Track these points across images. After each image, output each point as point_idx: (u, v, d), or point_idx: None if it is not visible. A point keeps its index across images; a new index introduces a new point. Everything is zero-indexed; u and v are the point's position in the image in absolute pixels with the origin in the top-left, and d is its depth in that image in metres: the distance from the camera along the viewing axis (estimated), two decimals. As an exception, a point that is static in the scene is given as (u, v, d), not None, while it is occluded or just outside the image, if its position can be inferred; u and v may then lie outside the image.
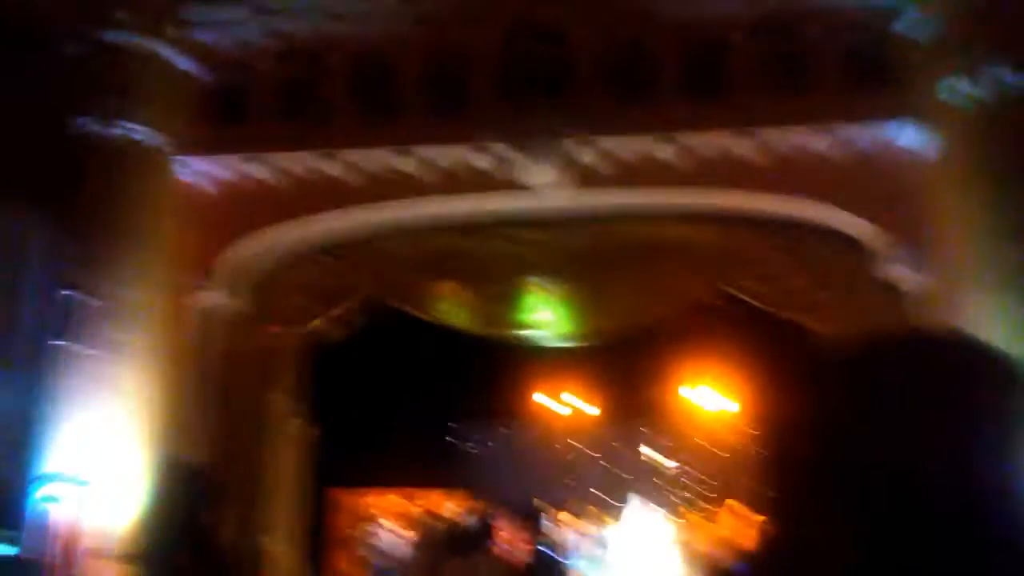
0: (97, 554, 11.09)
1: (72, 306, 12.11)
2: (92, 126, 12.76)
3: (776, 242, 13.75)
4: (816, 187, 13.04)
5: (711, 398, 16.56)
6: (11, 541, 10.51)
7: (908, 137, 12.76)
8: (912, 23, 12.55)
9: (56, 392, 11.80)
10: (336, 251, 14.34)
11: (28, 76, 12.70)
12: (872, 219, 12.89)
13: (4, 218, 12.37)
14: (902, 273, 12.82)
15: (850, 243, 13.48)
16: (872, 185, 12.82)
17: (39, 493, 11.33)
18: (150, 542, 10.92)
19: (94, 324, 12.05)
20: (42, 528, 11.06)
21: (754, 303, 13.73)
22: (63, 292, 12.18)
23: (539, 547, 6.09)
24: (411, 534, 14.03)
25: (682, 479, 16.90)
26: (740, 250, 13.80)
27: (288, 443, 14.39)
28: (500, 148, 13.21)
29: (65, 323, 12.04)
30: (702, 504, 15.32)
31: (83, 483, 11.38)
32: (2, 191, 12.06)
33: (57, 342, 11.97)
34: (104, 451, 11.58)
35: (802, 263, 13.59)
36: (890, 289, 13.19)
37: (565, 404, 17.15)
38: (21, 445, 11.60)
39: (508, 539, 12.66)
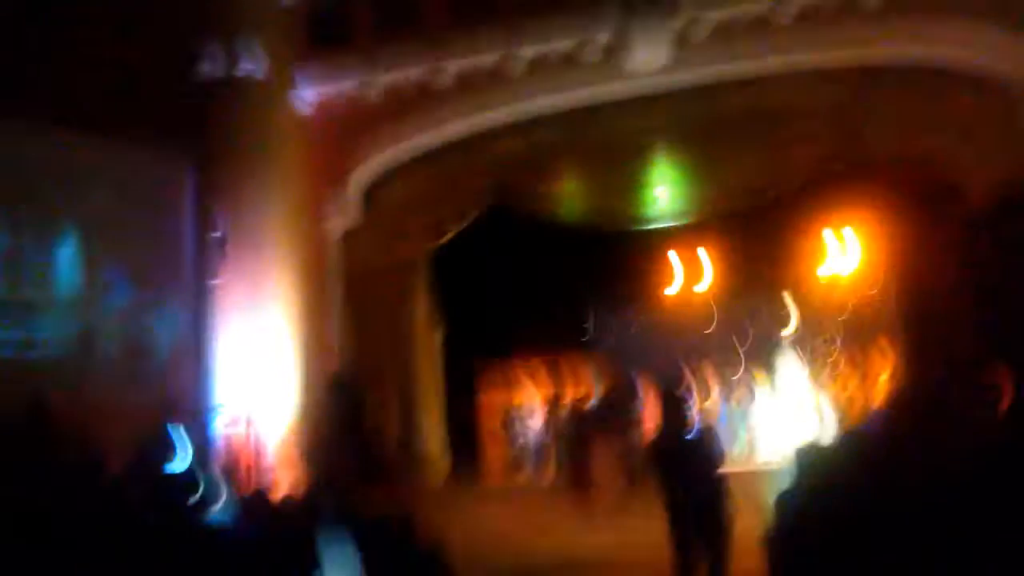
0: (276, 466, 12.25)
1: (223, 244, 13.00)
2: (215, 70, 13.35)
3: (908, 95, 12.79)
4: (941, 29, 11.94)
5: (846, 258, 16.08)
6: (202, 467, 11.69)
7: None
8: None
9: (218, 326, 12.83)
10: (456, 162, 14.57)
11: (144, 32, 13.33)
12: (1008, 58, 11.73)
13: (152, 169, 13.23)
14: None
15: (992, 89, 12.37)
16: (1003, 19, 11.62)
17: (219, 420, 12.49)
18: (318, 445, 11.89)
19: (243, 260, 12.93)
20: (228, 451, 12.24)
21: (887, 162, 12.93)
22: (212, 234, 13.06)
23: (686, 413, 6.11)
24: (553, 413, 14.61)
25: (818, 341, 16.63)
26: (871, 109, 12.93)
27: (428, 340, 15.17)
28: (605, 37, 12.89)
29: (218, 263, 12.97)
30: (841, 364, 15.05)
31: (254, 403, 12.46)
32: (144, 143, 12.86)
33: (214, 280, 12.94)
34: (268, 372, 12.59)
35: (939, 115, 12.60)
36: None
37: (697, 278, 17.08)
38: (197, 378, 12.74)
39: (651, 408, 13.00)
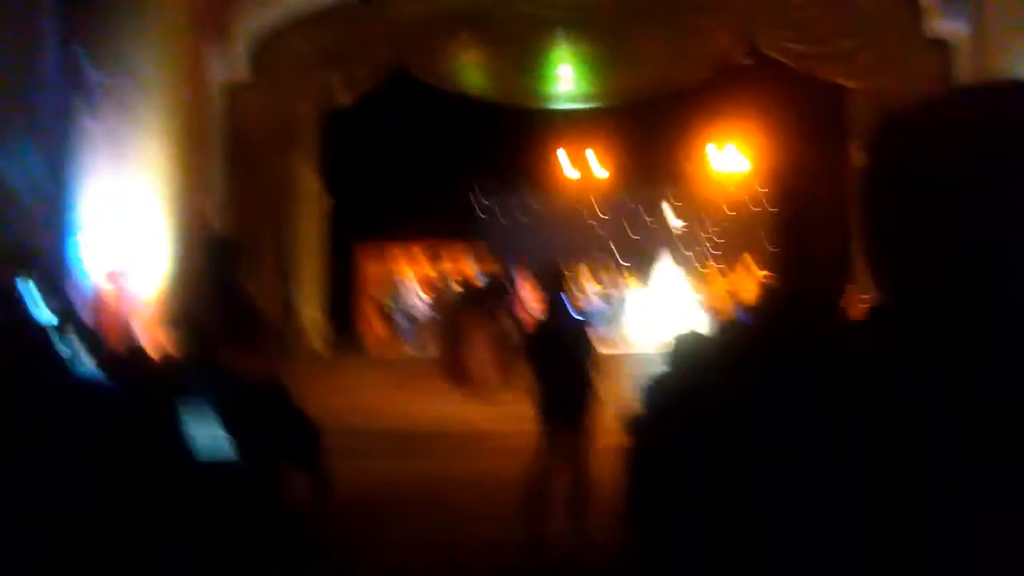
0: (147, 323, 11.79)
1: (92, 80, 11.97)
2: None
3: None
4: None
5: (733, 159, 16.48)
6: (64, 322, 11.11)
7: None
8: None
9: (84, 167, 11.96)
10: (358, 17, 13.72)
11: None
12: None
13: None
14: (954, 28, 12.00)
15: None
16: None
17: (85, 266, 11.82)
18: (189, 306, 11.53)
19: (115, 97, 11.96)
20: (93, 300, 11.65)
21: (789, 63, 13.08)
22: (85, 67, 11.98)
23: (562, 306, 6.20)
24: (432, 292, 14.62)
25: (698, 239, 17.21)
26: (782, 6, 12.92)
27: (312, 209, 14.73)
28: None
29: (87, 98, 11.96)
30: (717, 263, 15.68)
31: (125, 260, 11.84)
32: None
33: (81, 117, 11.96)
34: (136, 224, 11.92)
35: (847, 18, 12.72)
36: (938, 46, 12.45)
37: (585, 168, 17.14)
38: (56, 217, 11.93)
39: (527, 297, 13.24)
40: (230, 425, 4.59)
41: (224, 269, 12.59)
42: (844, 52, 12.76)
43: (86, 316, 11.35)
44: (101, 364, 6.08)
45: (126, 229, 11.82)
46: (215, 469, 4.55)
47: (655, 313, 14.95)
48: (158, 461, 3.72)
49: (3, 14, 11.65)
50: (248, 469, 4.65)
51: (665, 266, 15.69)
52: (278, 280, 13.87)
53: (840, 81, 13.01)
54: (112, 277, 11.81)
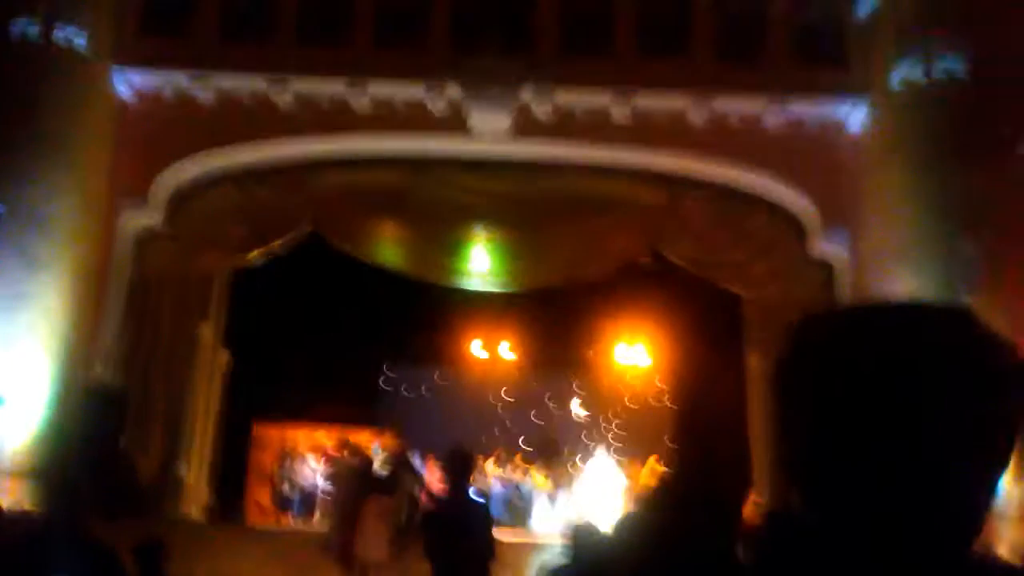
0: (10, 472, 10.87)
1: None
2: (28, 29, 12.16)
3: (717, 211, 13.93)
4: (762, 159, 13.24)
5: (635, 354, 16.99)
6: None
7: (854, 117, 13.03)
8: (870, 6, 12.75)
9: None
10: (279, 182, 14.01)
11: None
12: (811, 195, 13.16)
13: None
14: (835, 250, 13.15)
15: (788, 219, 13.77)
16: (814, 161, 13.08)
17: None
18: (54, 462, 10.74)
19: (17, 238, 11.62)
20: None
21: (688, 269, 13.94)
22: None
23: (465, 491, 6.08)
24: (326, 464, 14.00)
25: (601, 430, 17.34)
26: (681, 216, 13.95)
27: (213, 375, 14.17)
28: (454, 91, 13.04)
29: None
30: (618, 455, 15.67)
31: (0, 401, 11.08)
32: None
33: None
34: (21, 368, 11.26)
35: (741, 234, 13.82)
36: (822, 266, 13.54)
37: (493, 350, 17.31)
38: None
39: (430, 481, 12.86)
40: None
41: (103, 422, 11.86)
42: (736, 263, 13.72)
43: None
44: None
45: (7, 366, 11.14)
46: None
47: (558, 496, 14.75)
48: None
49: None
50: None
51: (571, 449, 15.62)
52: (162, 440, 13.11)
53: (734, 289, 13.87)
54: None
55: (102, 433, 11.80)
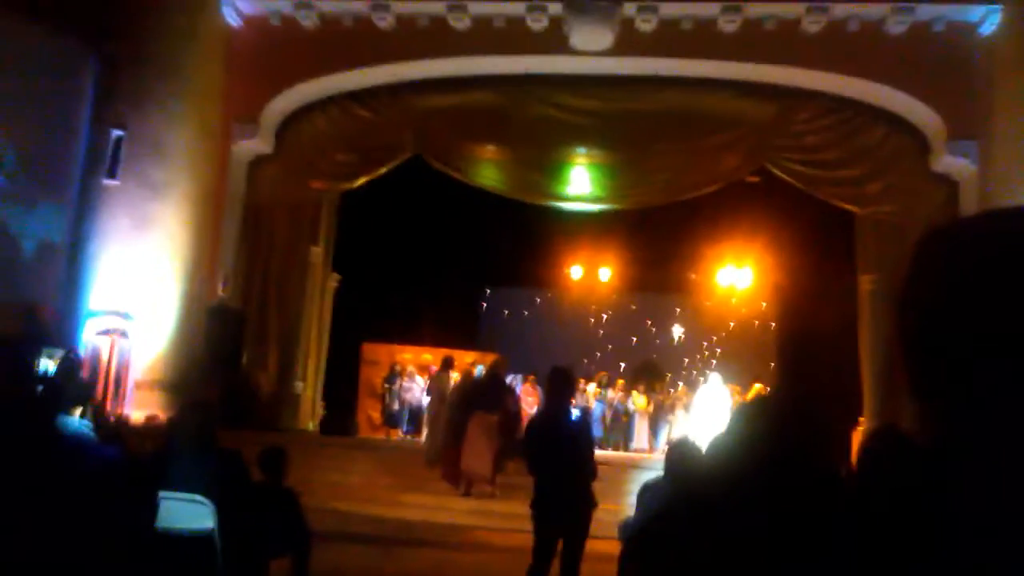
0: (141, 384, 11.72)
1: (119, 145, 12.26)
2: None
3: (831, 124, 13.23)
4: (883, 68, 12.42)
5: (738, 275, 16.58)
6: (63, 366, 11.07)
7: (987, 21, 12.02)
8: None
9: (104, 229, 12.12)
10: (381, 106, 14.14)
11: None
12: (937, 106, 12.31)
13: (56, 54, 12.34)
14: (961, 165, 12.34)
15: (909, 131, 12.96)
16: (939, 71, 12.19)
17: (89, 325, 11.85)
18: (187, 375, 11.48)
19: (140, 163, 12.23)
20: (92, 359, 11.62)
21: (799, 186, 13.36)
22: (111, 130, 12.30)
23: (567, 410, 6.16)
24: (430, 381, 14.44)
25: (707, 353, 17.18)
26: (792, 131, 13.33)
27: (324, 296, 14.73)
28: (555, 8, 12.72)
29: (113, 162, 12.23)
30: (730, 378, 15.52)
31: (129, 317, 11.87)
32: (54, 25, 11.98)
33: (106, 180, 12.20)
34: (148, 287, 11.99)
35: (857, 149, 13.09)
36: (945, 182, 12.76)
37: (592, 270, 17.22)
38: (72, 279, 12.04)
39: (529, 401, 13.11)
40: (218, 495, 4.51)
41: (225, 338, 12.57)
42: (851, 179, 13.06)
43: (88, 370, 11.32)
44: (94, 425, 6.02)
45: (136, 286, 11.90)
46: (196, 548, 4.44)
47: (658, 415, 14.83)
48: (141, 532, 3.63)
49: (43, 78, 12.09)
50: (236, 564, 4.54)
51: (671, 370, 15.59)
52: (279, 357, 13.81)
53: (848, 207, 13.24)
54: (114, 333, 11.82)
55: (225, 350, 12.54)
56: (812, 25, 12.44)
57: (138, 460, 4.94)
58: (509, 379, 12.07)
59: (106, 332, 11.85)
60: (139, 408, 11.22)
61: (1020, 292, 0.83)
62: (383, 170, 14.17)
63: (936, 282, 0.91)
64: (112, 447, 5.11)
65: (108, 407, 10.77)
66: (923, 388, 0.91)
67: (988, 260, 0.86)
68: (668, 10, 12.63)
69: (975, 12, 12.08)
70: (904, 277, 0.95)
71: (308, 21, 13.37)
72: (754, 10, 12.47)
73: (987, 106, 11.83)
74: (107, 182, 12.19)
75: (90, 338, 11.80)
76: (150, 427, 9.98)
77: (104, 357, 11.70)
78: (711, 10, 12.55)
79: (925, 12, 12.20)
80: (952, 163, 12.43)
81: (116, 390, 11.62)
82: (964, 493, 0.82)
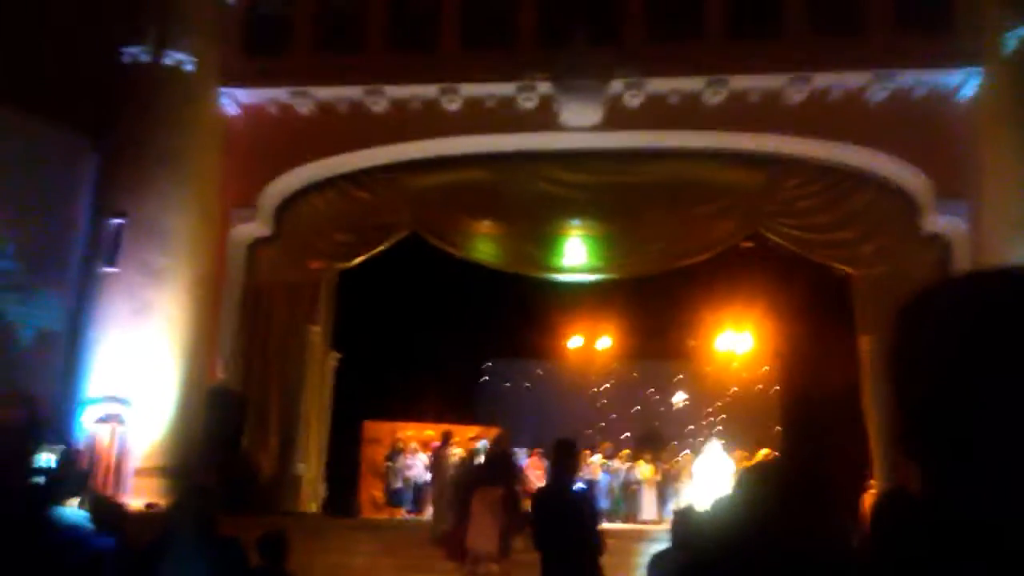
0: (141, 471, 11.58)
1: (119, 233, 12.42)
2: (140, 55, 12.90)
3: (820, 189, 13.46)
4: (866, 134, 12.73)
5: (738, 340, 16.56)
6: (62, 456, 10.97)
7: (966, 85, 12.36)
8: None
9: (103, 316, 12.17)
10: (377, 186, 14.40)
11: (79, 4, 12.83)
12: (923, 168, 12.55)
13: (56, 145, 12.62)
14: (952, 224, 12.50)
15: (896, 193, 13.17)
16: (923, 133, 12.47)
17: (87, 413, 11.78)
18: (186, 461, 11.34)
19: (140, 251, 12.36)
20: (90, 447, 11.52)
21: (792, 249, 13.49)
22: (111, 219, 12.47)
23: (571, 483, 6.09)
24: (433, 457, 14.24)
25: (710, 419, 17.02)
26: (782, 197, 13.55)
27: (324, 375, 14.66)
28: (544, 87, 13.08)
29: (113, 249, 12.36)
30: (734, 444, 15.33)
31: (128, 403, 11.81)
32: (54, 118, 12.28)
33: (106, 268, 12.31)
34: (147, 373, 11.97)
35: (847, 212, 13.30)
36: (937, 241, 12.90)
37: (591, 340, 17.21)
38: (70, 367, 12.03)
39: (534, 474, 12.93)
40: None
41: (226, 421, 12.48)
42: (844, 242, 13.21)
43: (85, 457, 11.21)
44: (92, 515, 5.94)
45: (134, 373, 11.87)
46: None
47: (663, 483, 14.62)
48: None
49: (43, 170, 12.34)
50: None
51: (673, 437, 15.42)
52: (279, 439, 13.68)
53: (843, 269, 13.34)
54: (112, 420, 11.74)
55: (225, 433, 12.44)
56: (795, 95, 12.78)
57: (135, 549, 4.86)
58: (515, 454, 11.94)
59: (105, 419, 11.78)
60: (139, 495, 11.06)
61: (1002, 352, 0.84)
62: (381, 248, 14.33)
63: (918, 346, 0.92)
64: (109, 537, 5.03)
65: (107, 495, 10.62)
66: (915, 450, 0.92)
67: (967, 322, 0.87)
68: (654, 86, 12.98)
69: (955, 77, 12.43)
70: (890, 341, 0.96)
71: (304, 108, 13.73)
72: (738, 83, 12.82)
73: (974, 166, 12.05)
74: (106, 270, 12.30)
75: (89, 425, 11.72)
76: (150, 515, 9.82)
77: (103, 444, 11.60)
78: (696, 84, 12.90)
79: (905, 79, 12.54)
80: (942, 223, 12.60)
81: (116, 478, 11.48)
82: (965, 556, 0.82)
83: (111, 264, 12.32)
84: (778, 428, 16.44)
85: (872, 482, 12.01)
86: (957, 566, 0.82)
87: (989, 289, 0.90)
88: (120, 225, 12.43)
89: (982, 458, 0.84)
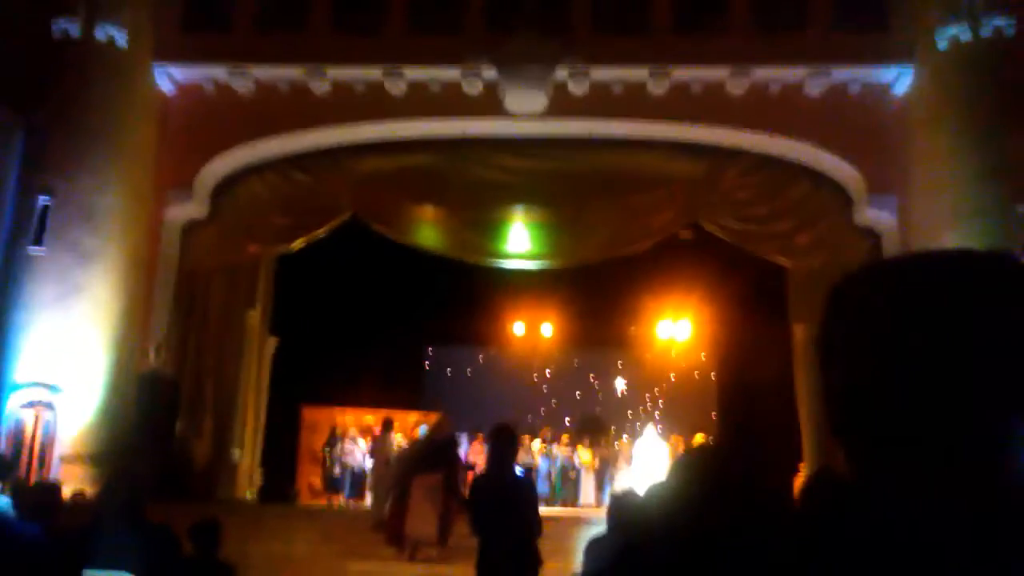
0: (68, 457, 11.25)
1: (47, 212, 11.99)
2: (71, 29, 12.43)
3: (758, 181, 13.72)
4: (804, 127, 13.01)
5: (677, 328, 16.84)
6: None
7: (899, 81, 12.72)
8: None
9: (30, 298, 11.76)
10: (318, 169, 14.17)
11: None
12: (856, 162, 12.90)
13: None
14: (882, 217, 12.88)
15: (832, 187, 13.51)
16: (858, 128, 12.80)
17: (13, 399, 11.39)
18: (115, 447, 11.05)
19: (69, 231, 11.95)
20: (17, 433, 11.15)
21: (730, 240, 13.74)
22: (38, 197, 12.04)
23: (511, 468, 6.11)
24: (373, 443, 14.15)
25: (649, 405, 17.31)
26: (722, 188, 13.77)
27: (262, 360, 14.42)
28: (489, 73, 13.02)
29: (40, 229, 11.93)
30: (672, 429, 15.62)
31: (55, 389, 11.45)
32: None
33: (32, 248, 11.88)
34: (76, 358, 11.61)
35: (783, 204, 13.59)
36: (868, 234, 13.28)
37: (534, 327, 17.31)
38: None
39: (475, 459, 12.97)
40: (148, 571, 4.32)
41: (157, 409, 12.19)
42: (780, 233, 13.50)
43: (10, 443, 10.84)
44: (16, 501, 5.75)
45: (64, 356, 11.50)
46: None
47: (601, 469, 14.80)
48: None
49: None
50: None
51: (613, 423, 15.62)
52: (215, 424, 13.42)
53: (778, 260, 13.65)
54: (39, 405, 11.38)
55: (156, 419, 12.15)
56: (735, 88, 12.99)
57: (62, 537, 4.72)
58: (457, 437, 11.93)
59: (31, 404, 11.41)
60: (66, 482, 10.73)
61: (918, 336, 0.85)
62: (321, 232, 14.11)
63: (840, 331, 0.93)
64: (34, 524, 4.88)
65: (44, 479, 10.29)
66: (839, 432, 0.93)
67: (885, 308, 0.89)
68: (599, 74, 13.04)
69: (889, 73, 12.78)
70: (820, 322, 0.97)
71: (243, 88, 13.41)
72: (681, 74, 12.96)
73: (904, 161, 12.43)
74: (33, 250, 11.88)
75: (14, 411, 11.34)
76: (77, 502, 9.55)
77: (28, 430, 11.23)
78: (640, 74, 13.00)
79: (840, 75, 12.85)
80: (873, 216, 12.98)
81: (41, 464, 11.13)
82: (883, 528, 0.84)
83: (38, 244, 11.89)
84: (714, 414, 16.80)
85: (802, 465, 12.37)
86: (877, 546, 0.84)
87: (908, 275, 0.91)
88: (48, 204, 12.00)
89: (898, 441, 0.86)
